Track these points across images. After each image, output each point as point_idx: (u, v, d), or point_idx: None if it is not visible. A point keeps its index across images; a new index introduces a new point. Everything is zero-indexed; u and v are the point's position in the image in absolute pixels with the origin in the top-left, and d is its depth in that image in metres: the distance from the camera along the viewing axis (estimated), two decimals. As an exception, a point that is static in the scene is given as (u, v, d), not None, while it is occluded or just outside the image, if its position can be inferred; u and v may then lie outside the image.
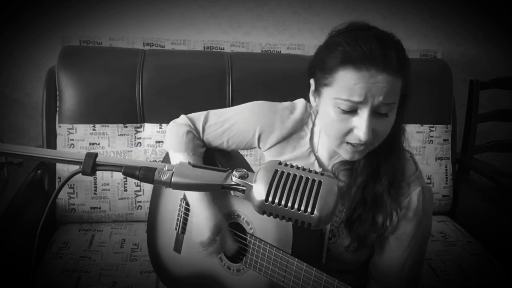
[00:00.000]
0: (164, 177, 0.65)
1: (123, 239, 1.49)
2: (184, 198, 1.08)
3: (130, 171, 0.66)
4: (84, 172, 0.65)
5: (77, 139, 1.53)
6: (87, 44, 1.70)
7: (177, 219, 1.10)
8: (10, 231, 1.26)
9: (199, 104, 1.55)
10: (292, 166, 0.62)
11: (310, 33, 1.91)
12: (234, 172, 0.64)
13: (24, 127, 1.88)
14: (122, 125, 1.56)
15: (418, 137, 1.71)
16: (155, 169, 0.66)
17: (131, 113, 1.57)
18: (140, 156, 1.58)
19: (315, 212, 0.58)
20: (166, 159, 1.12)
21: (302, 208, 0.58)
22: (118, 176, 1.54)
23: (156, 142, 1.58)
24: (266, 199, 0.60)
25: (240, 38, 1.87)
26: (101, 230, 1.54)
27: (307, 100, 0.95)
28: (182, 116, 1.07)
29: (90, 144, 1.54)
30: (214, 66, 1.62)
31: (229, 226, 1.01)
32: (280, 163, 0.63)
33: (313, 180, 0.60)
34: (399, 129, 0.91)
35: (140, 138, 1.58)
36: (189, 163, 0.67)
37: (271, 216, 0.61)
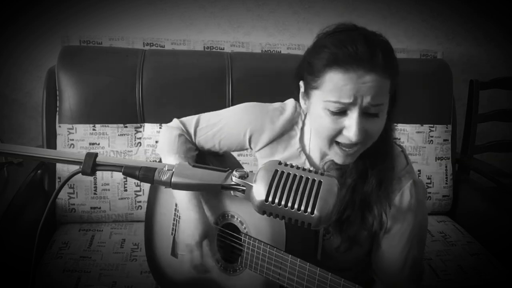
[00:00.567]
0: (164, 177, 0.65)
1: (123, 239, 1.49)
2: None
3: (130, 171, 0.66)
4: (84, 172, 0.65)
5: (77, 139, 1.53)
6: (87, 44, 1.70)
7: (173, 223, 1.10)
8: (10, 231, 1.26)
9: (199, 104, 1.56)
10: (292, 166, 0.62)
11: (310, 33, 1.89)
12: (234, 172, 0.64)
13: (24, 127, 1.88)
14: (122, 125, 1.57)
15: (418, 137, 1.71)
16: (155, 169, 0.66)
17: (131, 113, 1.57)
18: (140, 156, 1.58)
19: (315, 212, 0.58)
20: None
21: (302, 208, 0.58)
22: (118, 176, 1.54)
23: (156, 142, 1.58)
24: (266, 199, 0.60)
25: (240, 38, 1.87)
26: (101, 230, 1.54)
27: (297, 100, 0.96)
28: (175, 120, 1.08)
29: (90, 144, 1.54)
30: (214, 66, 1.62)
31: (224, 227, 1.01)
32: (280, 163, 0.63)
33: (313, 180, 0.60)
34: (389, 130, 0.91)
35: (140, 138, 1.59)
36: (189, 163, 0.67)
37: (271, 216, 0.61)
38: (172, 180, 0.65)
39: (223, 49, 1.79)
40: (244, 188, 0.63)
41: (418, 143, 1.71)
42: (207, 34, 1.85)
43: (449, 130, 1.75)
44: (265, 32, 1.90)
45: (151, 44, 1.76)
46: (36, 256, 1.23)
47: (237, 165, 1.15)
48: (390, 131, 0.92)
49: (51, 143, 1.54)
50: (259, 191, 0.61)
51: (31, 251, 0.79)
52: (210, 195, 1.01)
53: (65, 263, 1.33)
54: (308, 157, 1.00)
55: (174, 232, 1.10)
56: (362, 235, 0.95)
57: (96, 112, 1.54)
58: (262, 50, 1.82)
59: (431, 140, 1.72)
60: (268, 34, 1.90)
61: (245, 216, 0.97)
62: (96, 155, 0.66)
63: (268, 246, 0.89)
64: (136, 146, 1.58)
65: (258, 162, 1.08)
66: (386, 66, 0.79)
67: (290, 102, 1.02)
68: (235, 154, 1.16)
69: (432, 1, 1.96)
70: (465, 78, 1.93)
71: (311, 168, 0.62)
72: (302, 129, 1.00)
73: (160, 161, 1.11)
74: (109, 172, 1.41)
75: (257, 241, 0.91)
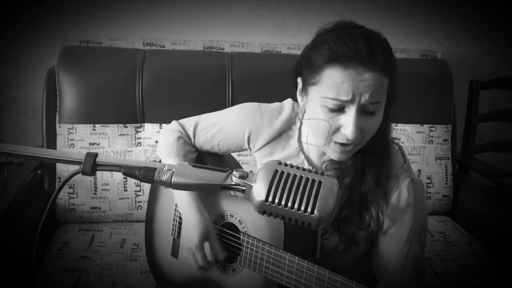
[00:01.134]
0: (164, 177, 0.65)
1: (123, 239, 1.49)
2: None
3: (130, 171, 0.66)
4: (84, 172, 0.65)
5: (77, 139, 1.53)
6: (87, 44, 1.70)
7: (173, 224, 1.10)
8: (10, 231, 1.26)
9: (199, 104, 1.57)
10: (292, 166, 0.62)
11: (310, 33, 1.89)
12: (234, 172, 0.65)
13: (24, 127, 1.88)
14: (122, 125, 1.56)
15: (418, 137, 1.71)
16: (155, 169, 0.66)
17: (131, 113, 1.56)
18: (140, 156, 1.58)
19: (315, 212, 0.58)
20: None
21: (302, 208, 0.58)
22: (118, 176, 1.54)
23: (156, 142, 1.58)
24: (266, 199, 0.60)
25: (240, 38, 1.87)
26: (101, 230, 1.54)
27: (295, 100, 0.96)
28: (173, 122, 1.08)
29: (90, 144, 1.54)
30: (214, 66, 1.62)
31: (223, 226, 1.01)
32: (280, 163, 0.63)
33: (313, 180, 0.60)
34: (386, 129, 0.91)
35: (140, 138, 1.58)
36: (188, 163, 0.67)
37: (271, 216, 0.61)
38: (172, 180, 0.65)
39: (223, 49, 1.79)
40: (244, 188, 0.64)
41: (418, 143, 1.71)
42: (207, 34, 1.85)
43: (449, 130, 1.75)
44: (265, 32, 1.90)
45: (151, 44, 1.76)
46: (36, 256, 1.23)
47: (237, 165, 1.16)
48: (388, 130, 0.92)
49: (51, 143, 1.54)
50: (259, 191, 0.61)
51: (31, 251, 0.79)
52: (209, 195, 1.01)
53: (65, 263, 1.33)
54: (307, 157, 1.00)
55: (174, 232, 1.10)
56: (360, 234, 0.95)
57: (96, 112, 1.54)
58: (262, 50, 1.82)
59: (431, 140, 1.72)
60: (268, 34, 1.90)
61: (244, 215, 0.97)
62: (96, 155, 0.66)
63: (267, 245, 0.89)
64: (136, 146, 1.58)
65: (257, 162, 1.08)
66: (385, 64, 0.79)
67: (288, 102, 1.02)
68: (234, 154, 1.16)
69: (432, 1, 1.96)
70: (465, 78, 1.93)
71: (311, 168, 0.62)
72: (300, 128, 1.00)
73: (160, 161, 1.11)
74: (109, 172, 1.41)
75: (256, 240, 0.91)
